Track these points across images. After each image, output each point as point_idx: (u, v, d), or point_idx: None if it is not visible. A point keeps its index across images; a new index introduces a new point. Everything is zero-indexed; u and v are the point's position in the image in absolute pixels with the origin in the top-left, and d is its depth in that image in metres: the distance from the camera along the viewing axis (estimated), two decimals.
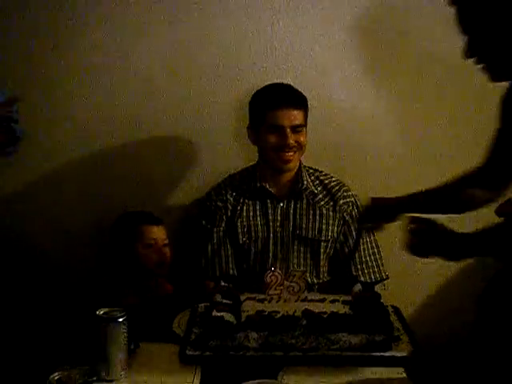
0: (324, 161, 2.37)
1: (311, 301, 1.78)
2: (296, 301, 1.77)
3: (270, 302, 1.77)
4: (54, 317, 2.25)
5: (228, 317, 1.66)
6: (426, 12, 2.36)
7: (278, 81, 2.19)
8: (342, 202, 2.21)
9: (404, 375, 1.55)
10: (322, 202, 2.20)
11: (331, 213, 2.19)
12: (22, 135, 1.85)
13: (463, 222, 1.69)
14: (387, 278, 2.21)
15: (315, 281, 2.18)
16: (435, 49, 2.37)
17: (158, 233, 2.18)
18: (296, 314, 1.70)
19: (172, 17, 2.33)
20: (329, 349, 1.62)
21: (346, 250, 2.21)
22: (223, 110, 2.39)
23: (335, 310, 1.72)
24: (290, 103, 2.10)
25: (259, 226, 2.17)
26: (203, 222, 2.21)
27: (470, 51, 1.44)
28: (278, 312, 1.71)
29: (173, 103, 2.38)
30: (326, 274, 2.21)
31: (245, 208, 2.19)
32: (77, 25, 2.31)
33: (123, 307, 1.55)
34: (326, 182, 2.24)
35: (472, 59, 1.44)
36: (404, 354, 1.62)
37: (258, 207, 2.19)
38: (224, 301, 1.75)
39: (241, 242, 2.17)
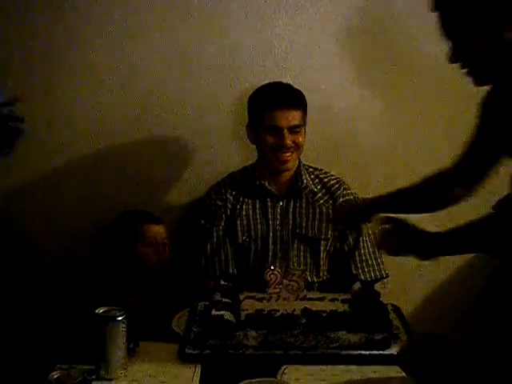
0: (324, 161, 2.36)
1: (310, 299, 1.78)
2: (295, 299, 1.77)
3: (269, 300, 1.76)
4: (54, 316, 2.26)
5: (227, 315, 1.67)
6: (425, 12, 2.35)
7: (278, 80, 2.19)
8: (341, 200, 2.21)
9: (403, 374, 1.55)
10: (322, 201, 2.20)
11: (331, 211, 2.19)
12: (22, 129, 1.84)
13: (436, 221, 1.74)
14: (387, 276, 2.21)
15: (315, 279, 2.18)
16: (435, 49, 2.36)
17: (158, 232, 2.17)
18: (295, 313, 1.70)
19: (172, 17, 2.33)
20: (328, 347, 1.62)
21: (346, 248, 2.21)
22: (223, 110, 2.39)
23: (334, 309, 1.73)
24: (287, 104, 2.09)
25: (259, 225, 2.18)
26: (203, 221, 2.21)
27: (454, 56, 1.45)
28: (278, 310, 1.71)
29: (173, 103, 2.38)
30: (325, 273, 2.21)
31: (244, 207, 2.19)
32: (77, 25, 2.31)
33: (123, 306, 1.55)
34: (326, 180, 2.24)
35: (457, 64, 1.45)
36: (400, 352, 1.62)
37: (257, 206, 2.19)
38: (223, 299, 1.75)
39: (240, 240, 2.17)
